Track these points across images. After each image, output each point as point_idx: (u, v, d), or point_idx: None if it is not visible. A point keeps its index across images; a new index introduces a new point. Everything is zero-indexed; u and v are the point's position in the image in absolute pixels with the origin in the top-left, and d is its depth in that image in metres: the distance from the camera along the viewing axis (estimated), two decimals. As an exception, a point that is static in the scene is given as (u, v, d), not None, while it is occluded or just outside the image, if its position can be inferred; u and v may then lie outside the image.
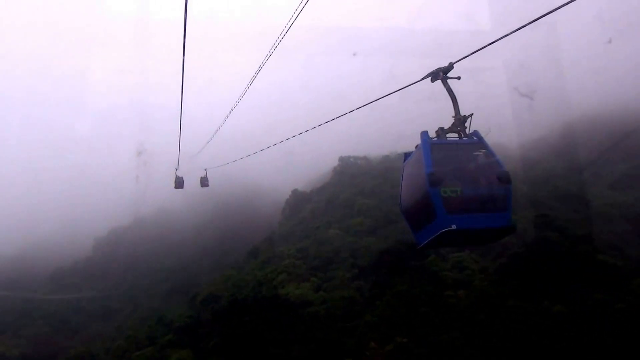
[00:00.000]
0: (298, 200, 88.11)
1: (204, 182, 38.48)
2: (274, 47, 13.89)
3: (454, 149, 10.54)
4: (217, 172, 39.58)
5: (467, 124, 10.49)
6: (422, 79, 10.77)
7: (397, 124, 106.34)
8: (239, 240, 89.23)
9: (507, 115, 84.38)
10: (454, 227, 9.49)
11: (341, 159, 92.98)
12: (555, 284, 48.55)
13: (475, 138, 10.61)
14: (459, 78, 10.83)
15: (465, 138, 10.57)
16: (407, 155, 11.30)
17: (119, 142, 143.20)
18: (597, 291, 45.64)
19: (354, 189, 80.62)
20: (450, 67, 10.44)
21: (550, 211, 62.26)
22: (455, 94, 10.45)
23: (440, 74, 10.62)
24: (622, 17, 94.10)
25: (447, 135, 10.53)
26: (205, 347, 55.17)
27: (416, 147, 10.65)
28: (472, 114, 10.59)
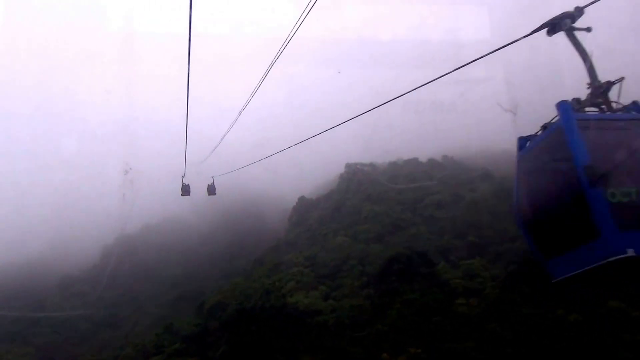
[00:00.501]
0: (304, 208, 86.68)
1: (211, 190, 37.31)
2: (275, 59, 13.26)
3: (613, 128, 7.34)
4: (224, 180, 38.56)
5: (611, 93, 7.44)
6: (538, 29, 7.99)
7: (400, 132, 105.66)
8: (245, 247, 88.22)
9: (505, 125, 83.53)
10: (631, 252, 6.29)
11: (347, 166, 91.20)
12: (568, 291, 47.00)
13: (635, 112, 7.45)
14: (589, 30, 8.00)
15: (619, 112, 7.47)
16: (525, 140, 8.22)
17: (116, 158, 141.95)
18: (612, 298, 44.06)
19: (361, 195, 79.12)
20: (580, 12, 7.69)
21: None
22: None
23: (567, 22, 7.75)
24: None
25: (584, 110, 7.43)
26: (213, 356, 53.83)
27: (543, 127, 7.79)
28: (623, 78, 7.55)
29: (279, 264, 68.30)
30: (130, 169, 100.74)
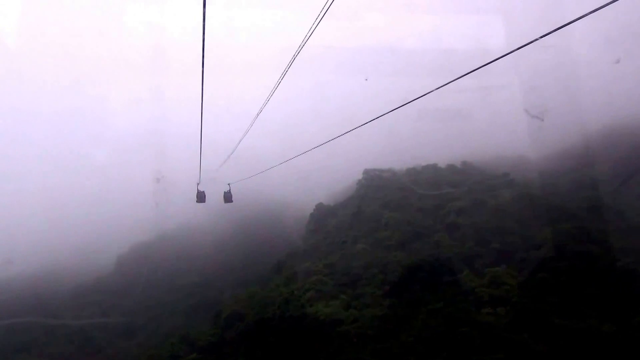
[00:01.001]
0: (322, 215, 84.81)
1: (228, 197, 36.43)
2: (290, 64, 13.34)
3: None
4: (240, 187, 37.98)
5: None
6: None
7: (417, 139, 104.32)
8: (262, 255, 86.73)
9: (525, 131, 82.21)
10: None
11: (366, 172, 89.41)
12: (600, 300, 45.07)
13: None
14: None
15: None
16: None
17: (139, 166, 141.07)
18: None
19: (380, 202, 77.14)
20: None
21: (585, 223, 58.79)
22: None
23: None
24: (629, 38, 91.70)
25: None
26: (230, 367, 52.39)
27: None
28: None
29: (297, 272, 66.75)
30: (163, 176, 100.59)
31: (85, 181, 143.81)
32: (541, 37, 8.57)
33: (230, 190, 36.49)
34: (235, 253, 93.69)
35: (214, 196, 37.01)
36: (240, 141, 29.28)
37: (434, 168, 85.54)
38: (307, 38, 11.49)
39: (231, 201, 36.83)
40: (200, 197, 33.99)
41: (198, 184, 33.39)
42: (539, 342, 42.19)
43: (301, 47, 12.06)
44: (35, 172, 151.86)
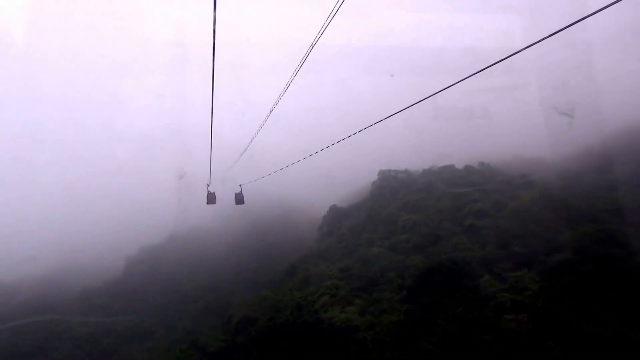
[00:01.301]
0: (336, 217, 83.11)
1: (239, 199, 35.21)
2: (302, 62, 13.03)
3: None
4: (251, 188, 36.85)
5: None
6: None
7: (432, 140, 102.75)
8: (274, 258, 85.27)
9: (543, 131, 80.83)
10: None
11: (381, 173, 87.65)
12: (625, 305, 43.35)
13: None
14: None
15: None
16: None
17: (159, 165, 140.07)
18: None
19: (396, 203, 75.44)
20: None
21: (607, 225, 57.00)
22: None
23: None
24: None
25: None
26: (241, 374, 51.00)
27: None
28: None
29: (310, 276, 65.28)
30: (185, 173, 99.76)
31: (97, 181, 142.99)
32: (555, 32, 8.44)
33: (241, 191, 35.35)
34: (246, 256, 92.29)
35: (225, 197, 36.41)
36: (251, 140, 28.63)
37: (451, 169, 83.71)
38: (320, 33, 11.28)
39: (243, 203, 35.71)
40: (211, 198, 33.46)
41: (208, 185, 32.87)
42: (563, 350, 40.58)
43: (314, 43, 11.77)
44: (49, 172, 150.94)
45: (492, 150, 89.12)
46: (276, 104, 17.51)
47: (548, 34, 8.75)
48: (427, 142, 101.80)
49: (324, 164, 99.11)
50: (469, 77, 10.54)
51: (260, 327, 55.38)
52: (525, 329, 43.70)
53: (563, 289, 47.72)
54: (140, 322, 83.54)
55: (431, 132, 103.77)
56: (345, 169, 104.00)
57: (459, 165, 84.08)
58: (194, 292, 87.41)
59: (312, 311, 52.57)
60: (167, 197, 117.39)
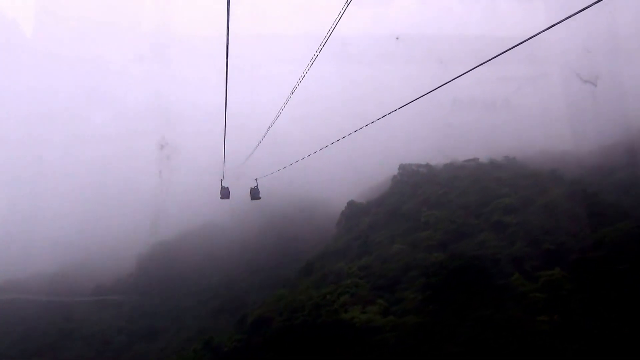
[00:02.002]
0: (354, 213, 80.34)
1: (255, 194, 33.39)
2: (319, 51, 12.76)
3: None
4: (266, 183, 34.95)
5: None
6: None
7: (452, 134, 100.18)
8: (289, 255, 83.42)
9: (566, 124, 78.30)
10: None
11: (401, 167, 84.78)
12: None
13: None
14: None
15: None
16: None
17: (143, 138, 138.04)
18: None
19: (418, 199, 72.77)
20: None
21: (640, 222, 54.48)
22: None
23: None
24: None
25: None
26: (257, 377, 48.95)
27: None
28: None
29: (328, 274, 63.11)
30: (167, 143, 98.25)
31: (109, 176, 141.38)
32: (577, 13, 8.26)
33: (257, 185, 33.50)
34: (261, 252, 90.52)
35: (238, 192, 34.95)
36: (267, 132, 26.99)
37: (475, 163, 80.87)
38: (336, 22, 10.96)
39: (258, 198, 33.93)
40: (225, 193, 32.62)
41: (222, 179, 32.04)
42: (602, 353, 38.16)
43: (330, 32, 11.52)
44: (58, 166, 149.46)
45: (516, 144, 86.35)
46: (292, 93, 16.82)
47: (569, 15, 8.51)
48: (448, 136, 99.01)
49: (341, 159, 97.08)
50: (483, 63, 10.40)
51: (276, 327, 53.35)
52: (560, 331, 41.31)
53: (599, 289, 45.21)
54: (153, 321, 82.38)
55: (451, 125, 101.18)
56: (363, 164, 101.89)
57: (483, 159, 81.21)
58: (207, 291, 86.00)
59: (331, 311, 50.31)
60: (181, 193, 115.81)
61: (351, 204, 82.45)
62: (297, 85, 16.33)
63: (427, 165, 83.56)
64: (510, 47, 9.64)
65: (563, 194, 60.37)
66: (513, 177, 70.45)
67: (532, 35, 9.17)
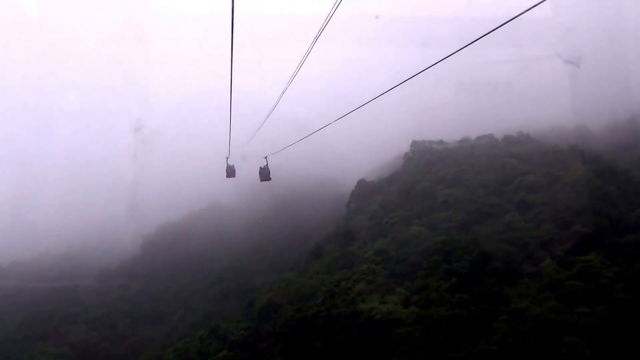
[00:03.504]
0: (365, 192, 72.73)
1: (265, 174, 27.90)
2: (322, 28, 11.44)
3: None
4: (272, 161, 29.35)
5: None
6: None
7: (459, 112, 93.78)
8: (298, 237, 77.58)
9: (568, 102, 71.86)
10: None
11: (414, 144, 77.01)
12: None
13: None
14: None
15: None
16: None
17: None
18: None
19: (433, 177, 65.84)
20: None
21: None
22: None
23: None
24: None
25: None
26: (266, 367, 42.87)
27: None
28: None
29: (339, 258, 56.81)
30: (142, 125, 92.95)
31: (114, 156, 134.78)
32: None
33: (267, 165, 27.66)
34: (269, 234, 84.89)
35: (245, 172, 31.55)
36: (273, 108, 23.73)
37: (489, 139, 73.68)
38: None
39: (269, 179, 28.22)
40: (230, 171, 29.85)
41: (227, 157, 29.39)
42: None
43: (332, 12, 10.33)
44: (65, 148, 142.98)
45: (525, 122, 79.50)
46: (298, 69, 14.72)
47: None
48: (454, 114, 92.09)
49: (349, 137, 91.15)
50: (472, 42, 9.30)
51: (287, 316, 47.26)
52: (607, 324, 35.02)
53: (642, 276, 38.90)
54: (158, 305, 77.74)
55: (456, 104, 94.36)
56: (370, 142, 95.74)
57: (498, 135, 74.18)
58: (213, 273, 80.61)
59: (347, 301, 44.08)
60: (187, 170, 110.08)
61: (362, 183, 75.03)
62: (302, 61, 14.26)
63: (441, 142, 76.48)
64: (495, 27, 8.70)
65: (589, 171, 53.68)
66: (531, 153, 63.70)
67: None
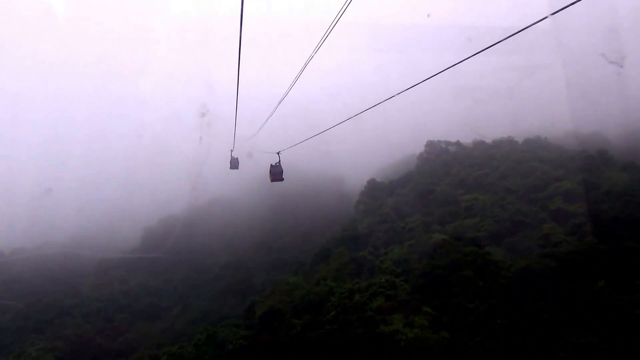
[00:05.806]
0: (376, 193, 62.82)
1: (277, 173, 21.95)
2: (331, 27, 10.53)
3: None
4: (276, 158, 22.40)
5: None
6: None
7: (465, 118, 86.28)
8: (302, 236, 69.65)
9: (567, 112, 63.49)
10: None
11: (429, 144, 66.90)
12: None
13: None
14: None
15: None
16: None
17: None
18: None
19: (452, 179, 56.21)
20: None
21: None
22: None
23: None
24: None
25: None
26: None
27: None
28: None
29: (348, 263, 47.21)
30: (208, 111, 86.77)
31: (120, 148, 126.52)
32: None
33: (279, 162, 21.83)
34: (271, 232, 77.26)
35: (250, 167, 30.49)
36: (276, 108, 20.68)
37: (509, 142, 63.84)
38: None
39: (281, 179, 22.06)
40: (234, 163, 29.73)
41: (232, 150, 29.31)
42: None
43: (341, 13, 9.55)
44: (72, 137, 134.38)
45: (539, 126, 70.72)
46: (306, 64, 12.84)
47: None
48: (469, 116, 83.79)
49: (354, 135, 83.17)
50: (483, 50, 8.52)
51: (291, 328, 37.77)
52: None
53: None
54: (157, 299, 69.70)
55: (472, 108, 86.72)
56: (380, 141, 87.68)
57: (518, 138, 64.49)
58: (213, 270, 72.39)
59: (365, 319, 34.04)
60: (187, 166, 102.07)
61: (372, 183, 65.12)
62: (310, 57, 12.64)
63: (458, 143, 66.57)
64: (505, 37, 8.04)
65: (629, 179, 43.94)
66: (558, 158, 54.04)
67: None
